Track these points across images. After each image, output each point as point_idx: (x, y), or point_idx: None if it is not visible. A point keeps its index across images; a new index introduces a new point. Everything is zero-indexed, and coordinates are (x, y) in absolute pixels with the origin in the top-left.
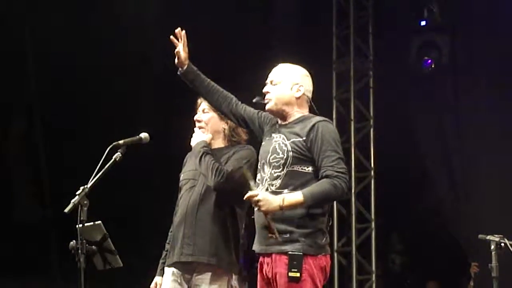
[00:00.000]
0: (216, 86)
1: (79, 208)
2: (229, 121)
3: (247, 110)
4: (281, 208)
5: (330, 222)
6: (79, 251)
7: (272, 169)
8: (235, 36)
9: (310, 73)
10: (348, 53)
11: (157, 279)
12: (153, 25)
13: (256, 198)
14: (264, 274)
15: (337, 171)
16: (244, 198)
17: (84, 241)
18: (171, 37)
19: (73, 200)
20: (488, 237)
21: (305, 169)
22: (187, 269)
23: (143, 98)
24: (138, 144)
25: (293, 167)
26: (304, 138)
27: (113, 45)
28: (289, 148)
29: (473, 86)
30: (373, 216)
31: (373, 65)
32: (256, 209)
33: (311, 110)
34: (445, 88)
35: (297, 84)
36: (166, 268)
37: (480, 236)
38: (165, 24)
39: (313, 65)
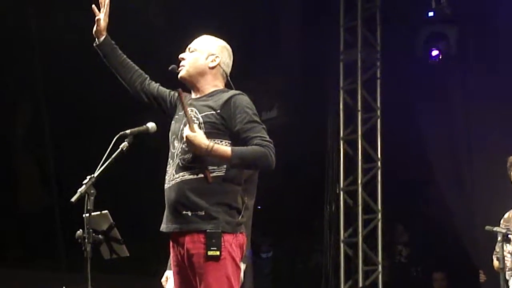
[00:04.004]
0: (131, 63)
1: (86, 197)
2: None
3: (160, 89)
4: (207, 150)
5: (245, 205)
6: (86, 240)
7: (183, 143)
8: (242, 27)
9: (317, 65)
10: (356, 44)
11: (168, 273)
12: (158, 21)
13: (192, 134)
14: (178, 258)
15: (266, 141)
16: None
17: (91, 230)
18: (93, 6)
19: (79, 190)
20: (495, 228)
21: (219, 143)
22: None
23: None
24: (145, 133)
25: None
26: (219, 111)
27: (119, 40)
28: (201, 121)
29: (481, 77)
30: (379, 207)
31: (380, 56)
32: (168, 184)
33: (227, 86)
34: (453, 79)
35: (213, 54)
36: None
37: (487, 227)
38: (171, 21)
39: (320, 56)
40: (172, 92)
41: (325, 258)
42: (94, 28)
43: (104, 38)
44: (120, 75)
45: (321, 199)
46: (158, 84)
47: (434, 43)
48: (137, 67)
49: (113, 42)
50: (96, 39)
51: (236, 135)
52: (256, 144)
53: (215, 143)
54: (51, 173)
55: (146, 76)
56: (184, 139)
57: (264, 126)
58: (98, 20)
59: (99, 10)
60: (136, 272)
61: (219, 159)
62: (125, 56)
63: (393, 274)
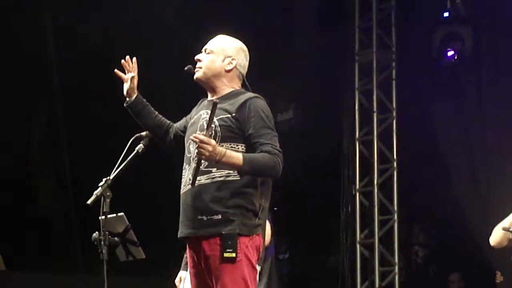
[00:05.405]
0: (162, 119)
1: (102, 199)
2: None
3: (179, 126)
4: (218, 160)
5: (261, 208)
6: (102, 242)
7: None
8: (256, 28)
9: (332, 66)
10: (371, 45)
11: (181, 273)
12: (177, 22)
13: (206, 143)
14: (194, 260)
15: (277, 149)
16: (196, 138)
17: (107, 232)
18: (116, 70)
19: (96, 192)
20: None
21: (235, 147)
22: None
23: (168, 94)
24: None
25: (222, 145)
26: (234, 114)
27: (137, 43)
28: (217, 124)
29: (496, 77)
30: (395, 208)
31: (396, 56)
32: (184, 189)
33: (244, 87)
34: (468, 80)
35: (230, 57)
36: None
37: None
38: (187, 21)
39: (335, 57)
40: (188, 116)
41: (341, 259)
42: (126, 87)
43: (136, 97)
44: (153, 132)
45: (337, 200)
46: (175, 125)
47: (449, 44)
48: (167, 122)
49: (144, 100)
50: (128, 98)
51: (248, 139)
52: (266, 151)
53: (231, 147)
54: (67, 175)
55: (171, 127)
56: (196, 141)
57: (276, 134)
58: (133, 77)
59: (124, 72)
60: (152, 274)
61: (230, 166)
62: (156, 113)
63: (410, 275)
